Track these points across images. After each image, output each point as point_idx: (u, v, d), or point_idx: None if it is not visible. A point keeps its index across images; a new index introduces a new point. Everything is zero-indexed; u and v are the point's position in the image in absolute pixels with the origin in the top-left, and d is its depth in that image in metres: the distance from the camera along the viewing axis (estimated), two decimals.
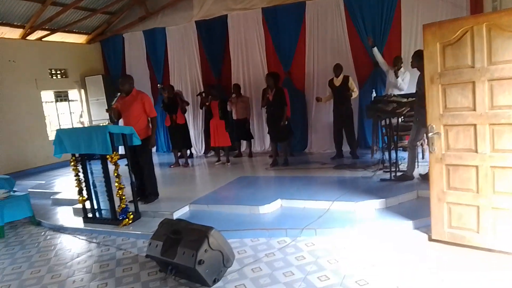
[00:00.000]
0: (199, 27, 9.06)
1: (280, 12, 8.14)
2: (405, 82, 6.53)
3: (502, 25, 2.91)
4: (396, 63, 6.57)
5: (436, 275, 2.91)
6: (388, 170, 5.28)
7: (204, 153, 9.30)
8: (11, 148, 8.55)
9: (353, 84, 6.83)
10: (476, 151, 3.15)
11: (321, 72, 7.92)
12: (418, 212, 4.00)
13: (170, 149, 8.70)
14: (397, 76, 6.54)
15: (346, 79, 6.78)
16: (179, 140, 7.74)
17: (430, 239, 3.51)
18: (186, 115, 7.94)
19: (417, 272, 2.98)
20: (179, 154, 8.08)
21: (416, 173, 5.20)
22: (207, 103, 7.68)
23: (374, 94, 6.80)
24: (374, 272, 3.04)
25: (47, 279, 3.54)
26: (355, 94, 6.85)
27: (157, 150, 10.01)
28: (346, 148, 7.17)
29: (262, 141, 8.78)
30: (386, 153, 5.65)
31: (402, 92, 6.34)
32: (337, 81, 6.85)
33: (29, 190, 6.58)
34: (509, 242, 3.08)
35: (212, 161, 8.11)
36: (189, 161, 8.11)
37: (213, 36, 9.01)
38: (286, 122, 6.75)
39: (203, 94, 8.12)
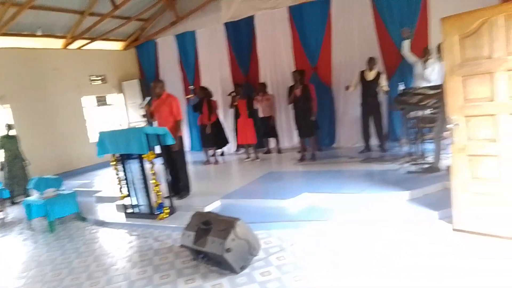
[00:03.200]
0: (227, 28, 9.32)
1: (306, 8, 8.22)
2: (434, 72, 6.44)
3: None
4: (425, 53, 6.50)
5: (458, 262, 3.00)
6: (416, 162, 5.30)
7: (235, 150, 9.56)
8: (58, 151, 9.17)
9: (384, 82, 6.84)
10: (497, 141, 3.18)
11: (348, 66, 7.90)
12: (443, 203, 4.02)
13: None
14: (425, 67, 6.48)
15: (378, 75, 6.80)
16: (209, 139, 8.05)
17: (454, 229, 3.57)
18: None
19: (439, 260, 3.07)
20: (211, 152, 8.39)
21: (444, 165, 5.18)
22: (234, 103, 7.91)
23: (401, 87, 6.75)
24: (399, 261, 3.16)
25: (93, 267, 3.91)
26: (385, 88, 6.85)
27: (191, 149, 10.39)
28: (375, 141, 7.20)
29: (290, 137, 8.89)
30: (414, 146, 5.66)
31: (430, 84, 6.27)
32: (370, 75, 6.84)
33: (75, 189, 7.06)
34: None
35: (242, 158, 8.35)
36: (220, 158, 8.40)
37: (241, 36, 9.23)
38: (314, 118, 6.87)
39: (233, 94, 8.38)
